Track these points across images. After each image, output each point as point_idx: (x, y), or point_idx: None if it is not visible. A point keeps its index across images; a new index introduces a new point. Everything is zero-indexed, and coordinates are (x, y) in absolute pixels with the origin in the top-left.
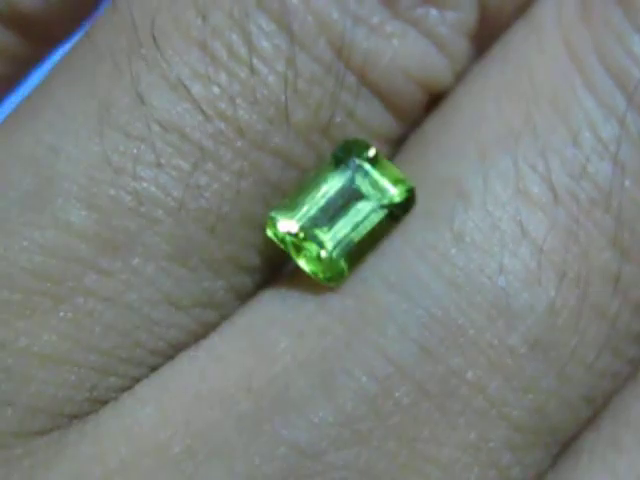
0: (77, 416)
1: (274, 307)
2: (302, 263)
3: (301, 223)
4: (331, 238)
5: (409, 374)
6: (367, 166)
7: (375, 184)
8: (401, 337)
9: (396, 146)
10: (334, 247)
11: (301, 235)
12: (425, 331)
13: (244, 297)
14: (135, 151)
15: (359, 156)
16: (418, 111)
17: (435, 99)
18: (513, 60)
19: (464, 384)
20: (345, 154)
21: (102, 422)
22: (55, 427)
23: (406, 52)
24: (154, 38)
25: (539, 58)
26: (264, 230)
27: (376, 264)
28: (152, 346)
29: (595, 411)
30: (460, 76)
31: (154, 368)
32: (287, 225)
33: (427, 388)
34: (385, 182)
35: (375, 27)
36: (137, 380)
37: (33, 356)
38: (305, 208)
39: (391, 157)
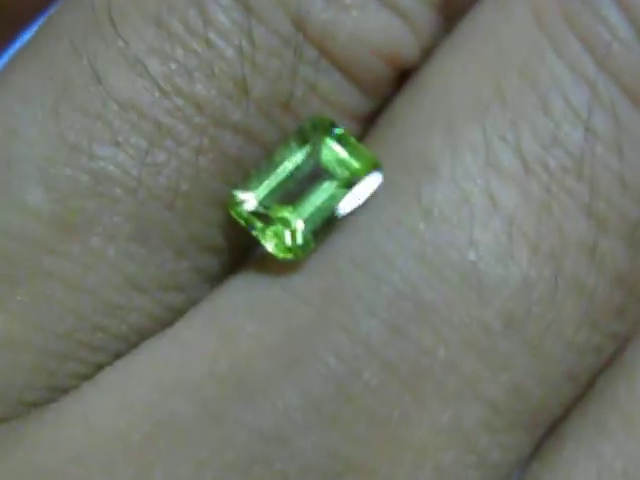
0: (36, 404)
1: (241, 292)
2: (265, 242)
3: (263, 200)
4: (295, 216)
5: (378, 354)
6: (332, 143)
7: (340, 162)
8: (368, 316)
9: (368, 123)
10: (297, 225)
11: (263, 212)
12: (393, 309)
13: (212, 279)
14: (92, 129)
15: (324, 133)
16: (387, 86)
17: (407, 76)
18: (481, 31)
19: (436, 363)
20: (310, 131)
21: (61, 410)
22: (13, 415)
23: (367, 24)
24: (111, 16)
25: (507, 27)
26: (226, 208)
27: (342, 241)
28: (114, 331)
29: (580, 390)
30: (429, 51)
31: (118, 354)
32: (248, 202)
33: (397, 368)
34: (350, 159)
35: None
36: (100, 367)
37: None
38: (267, 185)
39: (362, 134)
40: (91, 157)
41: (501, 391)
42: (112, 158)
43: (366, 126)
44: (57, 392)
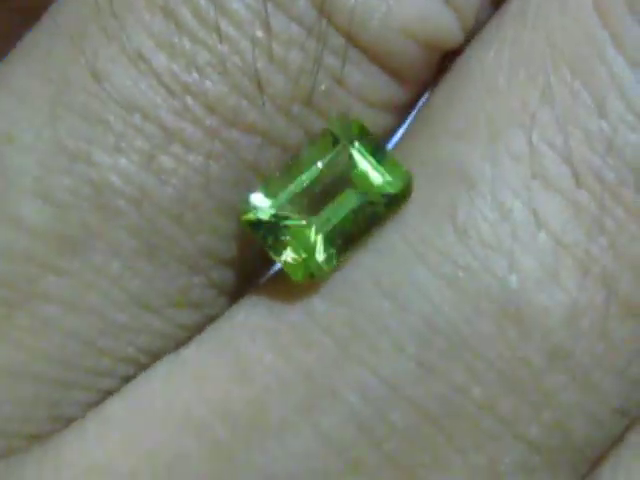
0: (37, 436)
1: (257, 314)
2: (280, 259)
3: (279, 210)
4: (314, 227)
5: (405, 394)
6: (361, 150)
7: (368, 171)
8: (395, 352)
9: (406, 112)
10: (317, 238)
11: (278, 224)
12: (423, 344)
13: (231, 294)
14: (91, 134)
15: (352, 138)
16: (426, 73)
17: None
18: (530, 19)
19: (470, 402)
20: (338, 136)
21: (63, 447)
22: (12, 450)
23: (404, 7)
24: (112, 6)
25: (561, 15)
26: (239, 218)
27: (368, 263)
28: (121, 354)
29: (630, 422)
30: (474, 30)
31: (127, 378)
32: (263, 212)
33: (427, 408)
34: (380, 169)
35: None
36: (107, 392)
37: None
38: (286, 193)
39: (399, 125)
40: (91, 165)
41: (542, 429)
42: (114, 166)
43: (406, 112)
44: (61, 422)
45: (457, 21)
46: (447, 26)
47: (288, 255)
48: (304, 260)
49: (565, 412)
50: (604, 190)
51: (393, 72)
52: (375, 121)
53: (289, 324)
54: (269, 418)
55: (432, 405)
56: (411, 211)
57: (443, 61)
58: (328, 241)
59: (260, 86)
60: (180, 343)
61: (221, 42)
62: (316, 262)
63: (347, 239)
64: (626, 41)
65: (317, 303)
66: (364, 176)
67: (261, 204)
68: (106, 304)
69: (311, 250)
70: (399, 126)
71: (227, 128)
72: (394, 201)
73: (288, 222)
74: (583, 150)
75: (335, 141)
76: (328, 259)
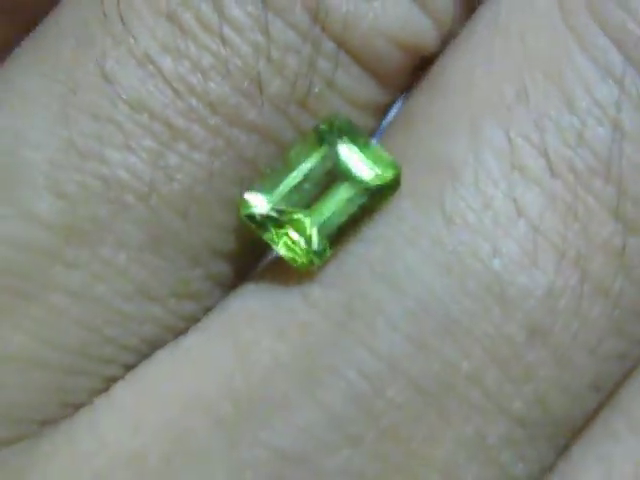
0: (48, 422)
1: (254, 301)
2: (278, 248)
3: (276, 203)
4: (309, 220)
5: (401, 370)
6: (350, 145)
7: (358, 165)
8: (390, 330)
9: (382, 114)
10: (312, 230)
11: (275, 217)
12: (416, 323)
13: (225, 286)
14: (102, 133)
15: (342, 134)
16: (404, 77)
17: (425, 64)
18: (502, 22)
19: (460, 377)
20: (327, 131)
21: (75, 430)
22: (25, 435)
23: (388, 14)
24: (120, 11)
25: (530, 19)
26: (238, 212)
27: (361, 251)
28: (125, 342)
29: (603, 399)
30: (448, 39)
31: (128, 366)
32: (260, 206)
33: (421, 384)
34: (369, 162)
35: None
36: (111, 380)
37: None
38: (281, 188)
39: (377, 127)
40: (102, 162)
41: (524, 403)
42: (123, 163)
43: (381, 115)
44: (68, 408)
45: (434, 27)
46: (425, 32)
47: (286, 245)
48: (301, 250)
49: (544, 387)
50: (576, 180)
51: (377, 75)
52: (359, 122)
53: (286, 309)
54: (272, 394)
55: (425, 380)
56: (401, 201)
57: (419, 69)
58: (322, 232)
59: (260, 87)
60: (178, 333)
61: (224, 46)
62: (313, 252)
63: (340, 230)
64: (590, 43)
65: (313, 288)
66: (354, 169)
67: (257, 199)
68: (113, 294)
69: (307, 241)
70: (377, 128)
71: (229, 127)
72: (384, 192)
73: (284, 215)
74: (556, 143)
75: (325, 137)
76: (323, 250)
